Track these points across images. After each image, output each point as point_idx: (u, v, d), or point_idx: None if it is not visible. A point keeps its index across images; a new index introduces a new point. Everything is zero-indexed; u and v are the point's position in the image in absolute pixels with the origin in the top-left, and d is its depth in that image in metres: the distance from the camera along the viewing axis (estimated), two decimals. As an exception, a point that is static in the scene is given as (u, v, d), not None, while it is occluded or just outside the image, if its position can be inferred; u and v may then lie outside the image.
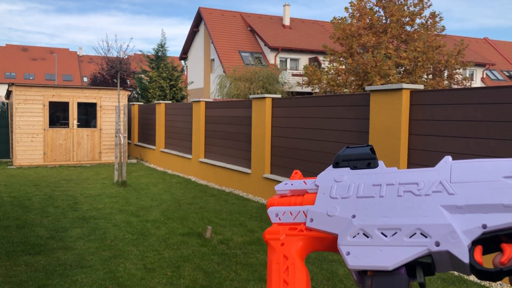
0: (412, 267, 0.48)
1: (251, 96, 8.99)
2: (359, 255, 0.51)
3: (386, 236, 0.50)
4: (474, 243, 0.46)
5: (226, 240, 5.75)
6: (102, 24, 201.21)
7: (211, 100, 11.58)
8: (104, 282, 4.29)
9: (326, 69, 20.24)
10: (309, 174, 0.97)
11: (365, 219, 0.52)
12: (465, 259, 0.45)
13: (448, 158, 0.52)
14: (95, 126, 14.30)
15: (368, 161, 0.57)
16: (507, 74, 36.58)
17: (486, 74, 34.22)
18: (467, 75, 28.69)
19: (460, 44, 19.31)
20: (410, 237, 0.48)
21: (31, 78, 54.59)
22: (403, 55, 17.81)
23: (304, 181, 0.61)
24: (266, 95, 8.52)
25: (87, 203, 7.93)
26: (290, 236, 0.58)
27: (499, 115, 4.69)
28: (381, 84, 16.65)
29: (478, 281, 4.60)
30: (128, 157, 15.55)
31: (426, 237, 0.48)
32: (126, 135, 10.80)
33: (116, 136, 10.02)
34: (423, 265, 0.48)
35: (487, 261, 0.46)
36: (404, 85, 5.61)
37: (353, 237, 0.52)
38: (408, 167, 5.58)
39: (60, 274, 4.48)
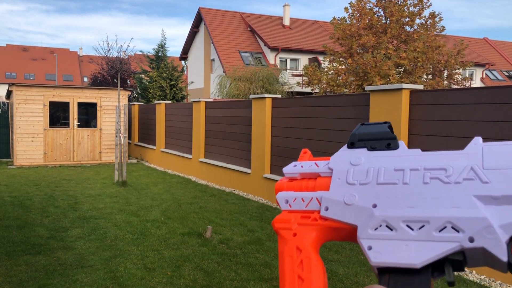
0: (439, 263, 0.44)
1: (251, 96, 9.00)
2: (382, 250, 0.46)
3: (412, 229, 0.45)
4: None
5: (226, 240, 5.76)
6: (102, 24, 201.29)
7: (211, 100, 11.59)
8: (104, 282, 4.30)
9: (326, 69, 20.25)
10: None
11: (388, 209, 0.47)
12: (504, 257, 0.41)
13: (479, 140, 0.47)
14: (95, 126, 14.31)
15: (387, 141, 0.51)
16: (506, 74, 36.58)
17: (486, 74, 34.22)
18: (467, 75, 28.70)
19: (460, 44, 19.32)
20: (440, 231, 0.44)
21: (31, 78, 54.60)
22: (403, 55, 17.82)
23: (315, 163, 0.56)
24: (266, 95, 8.52)
25: (88, 203, 7.94)
26: (303, 225, 0.53)
27: (499, 115, 4.70)
28: (381, 84, 16.65)
29: (478, 280, 4.61)
30: (128, 157, 15.56)
31: (458, 231, 0.43)
32: (126, 135, 10.81)
33: (116, 136, 10.03)
34: (453, 262, 0.44)
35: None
36: (404, 85, 5.62)
37: (375, 230, 0.47)
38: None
39: (61, 274, 4.49)
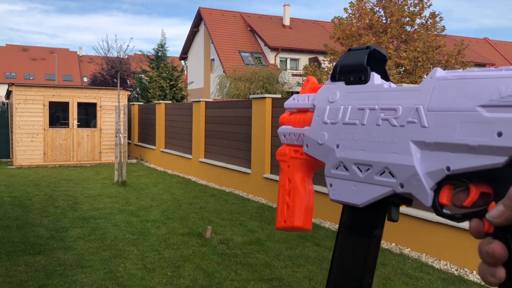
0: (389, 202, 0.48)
1: (251, 96, 8.99)
2: (338, 189, 0.52)
3: (361, 171, 0.50)
4: (442, 182, 0.44)
5: (226, 240, 5.75)
6: (103, 24, 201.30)
7: (211, 100, 11.58)
8: (104, 282, 4.29)
9: (326, 69, 20.25)
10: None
11: (345, 150, 0.52)
12: (427, 202, 0.44)
13: (435, 72, 0.46)
14: (95, 126, 14.30)
15: (360, 74, 0.54)
16: (507, 74, 36.56)
17: (486, 74, 34.19)
18: (467, 75, 28.64)
19: (460, 44, 19.31)
20: (380, 175, 0.48)
21: (31, 78, 54.60)
22: (403, 55, 17.81)
23: (308, 96, 0.60)
24: (266, 95, 8.52)
25: (87, 203, 7.93)
26: (294, 158, 0.59)
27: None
28: (381, 84, 16.63)
29: (479, 280, 4.59)
30: (128, 157, 15.55)
31: (393, 176, 0.47)
32: (126, 135, 10.79)
33: (116, 136, 10.01)
34: (396, 202, 0.48)
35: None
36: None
37: (336, 169, 0.53)
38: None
39: (60, 274, 4.48)
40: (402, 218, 5.63)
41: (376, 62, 0.55)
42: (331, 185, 0.53)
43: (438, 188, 0.44)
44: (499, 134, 0.39)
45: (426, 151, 0.44)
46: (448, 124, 0.43)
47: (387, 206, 0.49)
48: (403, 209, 5.60)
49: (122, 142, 10.18)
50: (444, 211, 0.44)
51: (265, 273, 4.59)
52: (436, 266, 4.95)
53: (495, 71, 0.42)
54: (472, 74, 0.43)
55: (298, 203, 0.58)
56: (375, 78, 0.53)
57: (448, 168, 0.42)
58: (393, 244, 5.75)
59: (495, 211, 0.39)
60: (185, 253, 5.19)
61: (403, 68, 18.81)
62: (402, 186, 0.46)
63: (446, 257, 5.11)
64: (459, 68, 19.57)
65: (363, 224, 0.51)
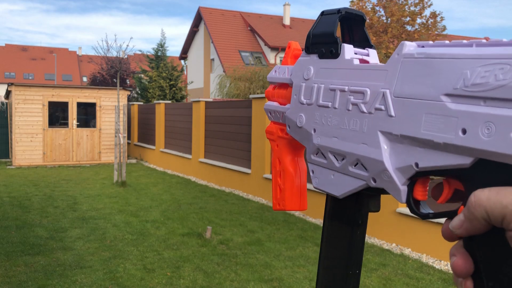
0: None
1: (251, 96, 8.98)
2: (319, 177, 0.50)
3: (337, 160, 0.48)
4: (415, 177, 0.40)
5: (226, 240, 5.73)
6: (103, 24, 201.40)
7: (211, 100, 11.56)
8: (103, 283, 4.28)
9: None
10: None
11: (321, 136, 0.50)
12: (401, 199, 0.41)
13: (402, 47, 0.41)
14: (94, 126, 14.28)
15: (331, 46, 0.50)
16: (507, 74, 36.63)
17: (486, 74, 34.25)
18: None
19: (460, 44, 19.32)
20: (354, 166, 0.46)
21: (30, 78, 54.59)
22: (403, 55, 17.82)
23: (287, 69, 0.57)
24: (266, 95, 8.49)
25: (87, 203, 7.91)
26: (281, 138, 0.58)
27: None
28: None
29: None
30: (127, 157, 15.54)
31: (366, 169, 0.44)
32: (126, 135, 10.78)
33: (115, 136, 10.00)
34: (374, 194, 0.47)
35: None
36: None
37: (316, 155, 0.51)
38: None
39: (60, 274, 4.47)
40: (403, 218, 5.62)
41: (354, 23, 0.51)
42: (312, 172, 0.52)
43: (412, 182, 0.41)
44: (464, 131, 0.35)
45: (395, 143, 0.41)
46: (414, 115, 0.38)
47: (366, 196, 0.48)
48: (403, 209, 5.58)
49: (122, 142, 10.16)
50: (421, 207, 0.41)
51: (265, 274, 4.58)
52: (437, 267, 4.93)
53: (465, 48, 0.36)
54: (440, 52, 0.38)
55: (289, 185, 0.56)
56: (346, 51, 0.49)
57: (416, 165, 0.39)
58: (394, 244, 5.73)
59: (456, 220, 0.36)
60: (185, 254, 5.17)
61: (403, 68, 18.81)
62: (374, 180, 0.43)
63: (446, 258, 5.10)
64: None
65: (346, 212, 0.50)
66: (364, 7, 19.24)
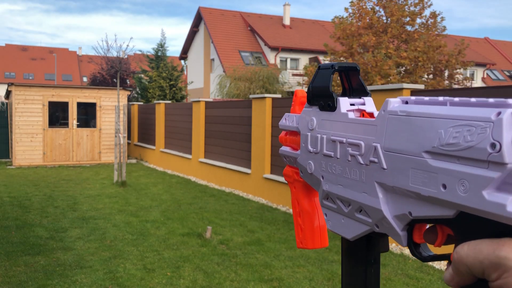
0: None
1: (251, 96, 8.98)
2: (332, 220, 0.54)
3: (345, 206, 0.51)
4: (412, 223, 0.43)
5: (226, 240, 5.73)
6: (103, 24, 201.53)
7: (211, 100, 11.56)
8: (103, 283, 4.28)
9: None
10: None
11: (328, 183, 0.53)
12: (402, 243, 0.44)
13: (387, 104, 0.44)
14: (94, 126, 14.28)
15: (328, 100, 0.53)
16: (507, 74, 36.58)
17: (487, 74, 34.22)
18: (468, 75, 28.69)
19: (461, 44, 19.29)
20: (359, 212, 0.49)
21: (30, 78, 54.58)
22: (404, 55, 17.79)
23: (295, 117, 0.60)
24: (266, 95, 8.51)
25: (87, 203, 7.91)
26: (297, 181, 0.61)
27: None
28: (382, 84, 16.64)
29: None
30: (127, 157, 15.53)
31: (369, 216, 0.47)
32: (126, 135, 10.78)
33: (115, 136, 10.00)
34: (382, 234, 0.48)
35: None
36: (405, 85, 5.59)
37: (326, 200, 0.54)
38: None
39: (60, 274, 4.47)
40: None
41: (350, 72, 0.54)
42: (326, 215, 0.55)
43: (411, 227, 0.44)
44: (444, 187, 0.37)
45: (391, 193, 0.44)
46: (402, 169, 0.42)
47: (375, 237, 0.51)
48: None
49: (122, 142, 10.16)
50: (422, 250, 0.44)
51: (265, 274, 4.58)
52: (437, 267, 4.93)
53: (440, 107, 0.39)
54: (419, 110, 0.41)
55: (309, 226, 0.60)
56: (341, 104, 0.52)
57: (410, 214, 0.42)
58: (394, 244, 5.73)
59: (447, 274, 0.39)
60: (185, 254, 5.17)
61: (404, 68, 18.80)
62: (377, 226, 0.46)
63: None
64: (460, 68, 19.55)
65: (358, 252, 0.53)
66: (364, 7, 19.23)
